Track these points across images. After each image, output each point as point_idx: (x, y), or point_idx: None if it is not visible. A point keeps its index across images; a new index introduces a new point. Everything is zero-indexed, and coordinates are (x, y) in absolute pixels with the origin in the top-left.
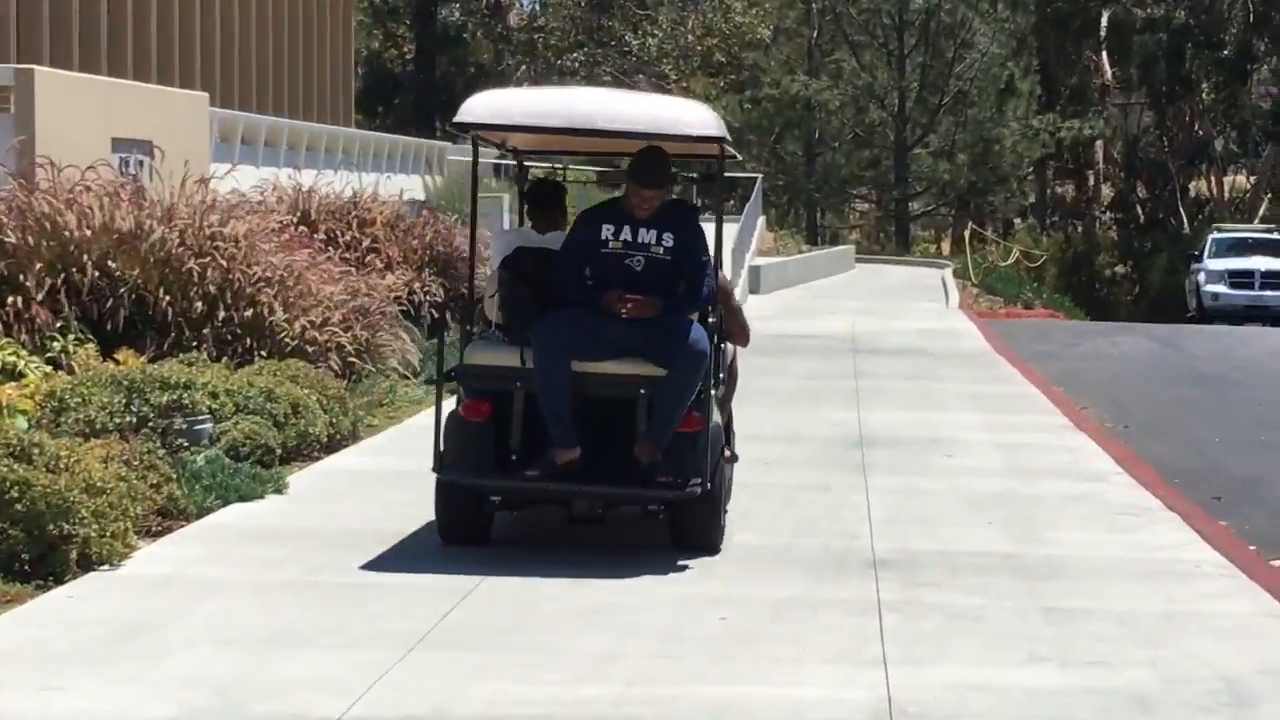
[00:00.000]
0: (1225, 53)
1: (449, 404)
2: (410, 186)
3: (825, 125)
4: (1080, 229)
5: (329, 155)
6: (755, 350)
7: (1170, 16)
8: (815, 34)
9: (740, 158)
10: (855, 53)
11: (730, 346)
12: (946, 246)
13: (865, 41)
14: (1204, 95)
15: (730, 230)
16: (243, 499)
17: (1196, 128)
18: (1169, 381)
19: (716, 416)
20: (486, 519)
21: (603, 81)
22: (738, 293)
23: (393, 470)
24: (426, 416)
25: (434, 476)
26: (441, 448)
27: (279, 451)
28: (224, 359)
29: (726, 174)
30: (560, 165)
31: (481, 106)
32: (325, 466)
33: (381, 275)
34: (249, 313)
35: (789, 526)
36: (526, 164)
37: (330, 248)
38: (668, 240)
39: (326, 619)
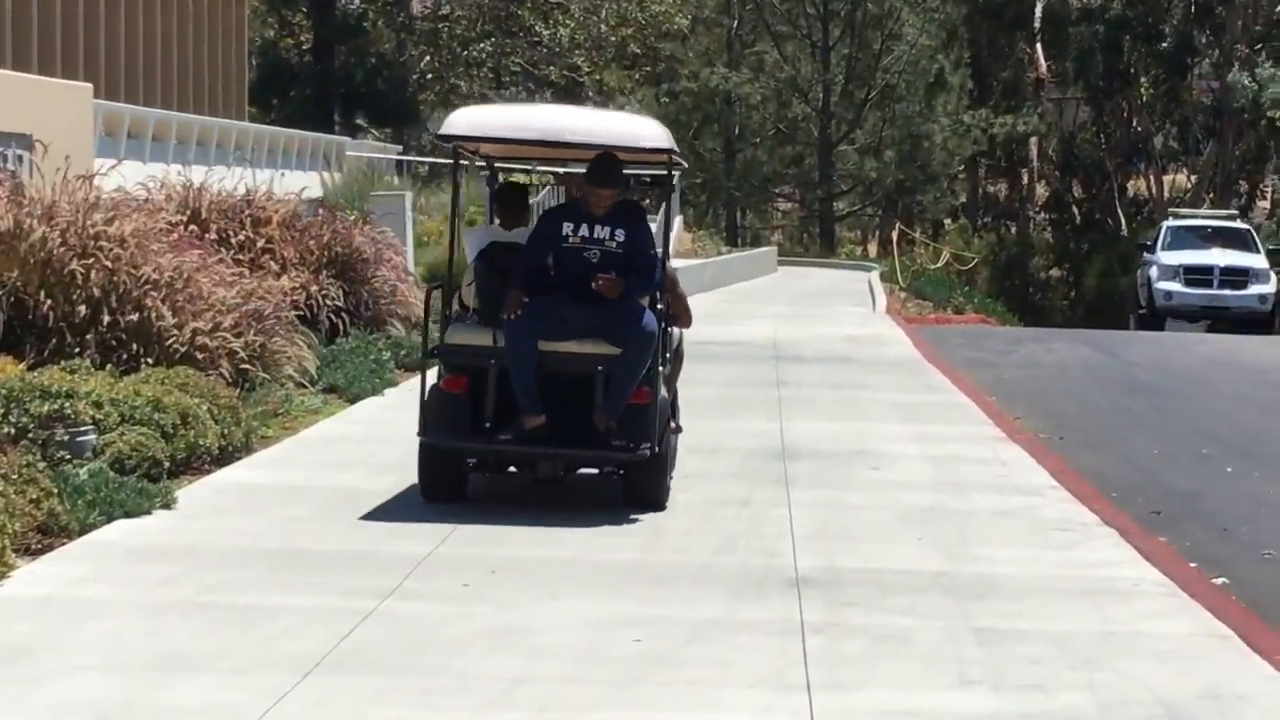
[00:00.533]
0: (1164, 45)
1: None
2: (308, 183)
3: (746, 120)
4: (1014, 230)
5: (221, 150)
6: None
7: (1107, 7)
8: (735, 24)
9: (686, 165)
10: (778, 44)
11: (677, 331)
12: (873, 248)
13: (788, 32)
14: (1143, 90)
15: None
16: (129, 515)
17: (1135, 124)
18: (1106, 390)
19: (664, 391)
20: (463, 479)
21: (513, 73)
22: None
23: (288, 484)
24: (324, 427)
25: (333, 484)
26: (424, 417)
27: (167, 464)
28: (109, 366)
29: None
30: (527, 169)
31: (463, 121)
32: (217, 480)
33: (277, 277)
34: (135, 317)
35: (708, 544)
36: (496, 168)
37: (222, 248)
38: (620, 236)
39: (218, 641)
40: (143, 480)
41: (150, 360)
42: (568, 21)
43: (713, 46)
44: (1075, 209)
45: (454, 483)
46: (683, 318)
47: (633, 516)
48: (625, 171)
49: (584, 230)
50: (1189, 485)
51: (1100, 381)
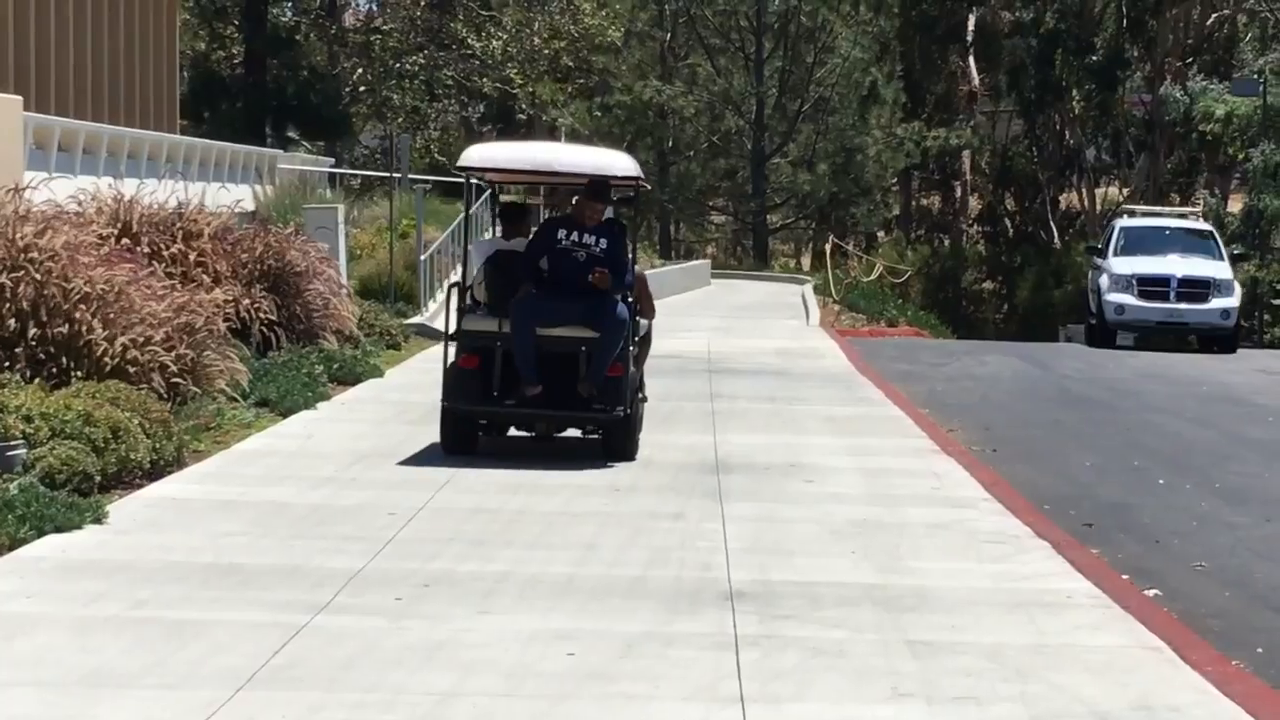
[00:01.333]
0: (1096, 59)
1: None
2: (240, 196)
3: (679, 133)
4: (947, 243)
5: (152, 163)
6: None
7: (1040, 21)
8: (669, 37)
9: (650, 188)
10: (711, 57)
11: (644, 321)
12: (807, 261)
13: (721, 45)
14: (1075, 103)
15: None
16: (59, 529)
17: (1067, 137)
18: (1039, 403)
19: (634, 368)
20: (474, 437)
21: (445, 86)
22: None
23: (220, 498)
24: (256, 441)
25: (265, 498)
26: (446, 386)
27: (98, 479)
28: (38, 380)
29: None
30: (518, 190)
31: (475, 154)
32: (148, 495)
33: (209, 291)
34: (66, 330)
35: (640, 557)
36: (499, 192)
37: (154, 262)
38: (603, 244)
39: (149, 657)
40: (73, 495)
41: (81, 374)
42: (500, 34)
43: (646, 60)
44: (1008, 222)
45: (468, 439)
46: (648, 311)
47: (576, 516)
48: (590, 189)
49: (575, 236)
50: (1121, 497)
51: (1033, 394)
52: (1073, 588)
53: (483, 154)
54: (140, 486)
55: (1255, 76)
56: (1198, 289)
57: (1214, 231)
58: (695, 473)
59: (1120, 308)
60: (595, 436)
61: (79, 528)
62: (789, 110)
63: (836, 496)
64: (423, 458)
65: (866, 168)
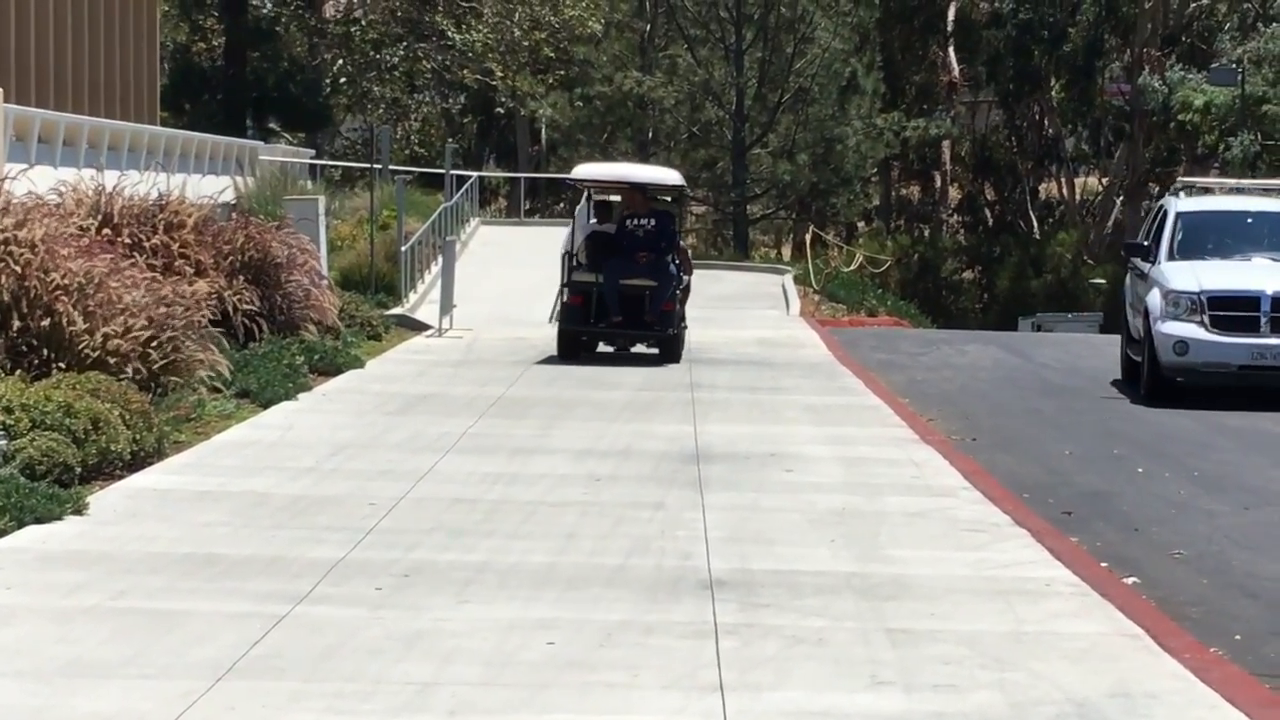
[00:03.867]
0: (1073, 48)
1: None
2: (221, 188)
3: (660, 124)
4: (926, 233)
5: (133, 155)
6: (585, 361)
7: (1018, 10)
8: (649, 28)
9: (690, 192)
10: (691, 48)
11: (686, 277)
12: (787, 251)
13: (701, 36)
14: (1054, 93)
15: (559, 234)
16: (39, 520)
17: (1047, 127)
18: (1019, 392)
19: (679, 306)
20: (578, 349)
21: (426, 77)
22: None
23: (200, 489)
24: (237, 432)
25: (246, 488)
26: (561, 315)
27: (79, 470)
28: (19, 371)
29: (560, 175)
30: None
31: (581, 171)
32: (128, 486)
33: (190, 282)
34: (46, 322)
35: (621, 546)
36: (595, 195)
37: (135, 253)
38: (652, 222)
39: (129, 647)
40: (54, 486)
41: (62, 365)
42: (480, 26)
43: (626, 51)
44: (988, 212)
45: (575, 350)
46: (688, 270)
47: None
48: (654, 192)
49: (636, 220)
50: (1100, 486)
51: (1013, 383)
52: (1052, 575)
53: (585, 171)
54: (121, 477)
55: (1233, 66)
56: None
57: None
58: (676, 462)
59: (1182, 344)
60: (654, 351)
61: (59, 519)
62: (769, 101)
63: (816, 485)
64: (404, 448)
65: (846, 158)
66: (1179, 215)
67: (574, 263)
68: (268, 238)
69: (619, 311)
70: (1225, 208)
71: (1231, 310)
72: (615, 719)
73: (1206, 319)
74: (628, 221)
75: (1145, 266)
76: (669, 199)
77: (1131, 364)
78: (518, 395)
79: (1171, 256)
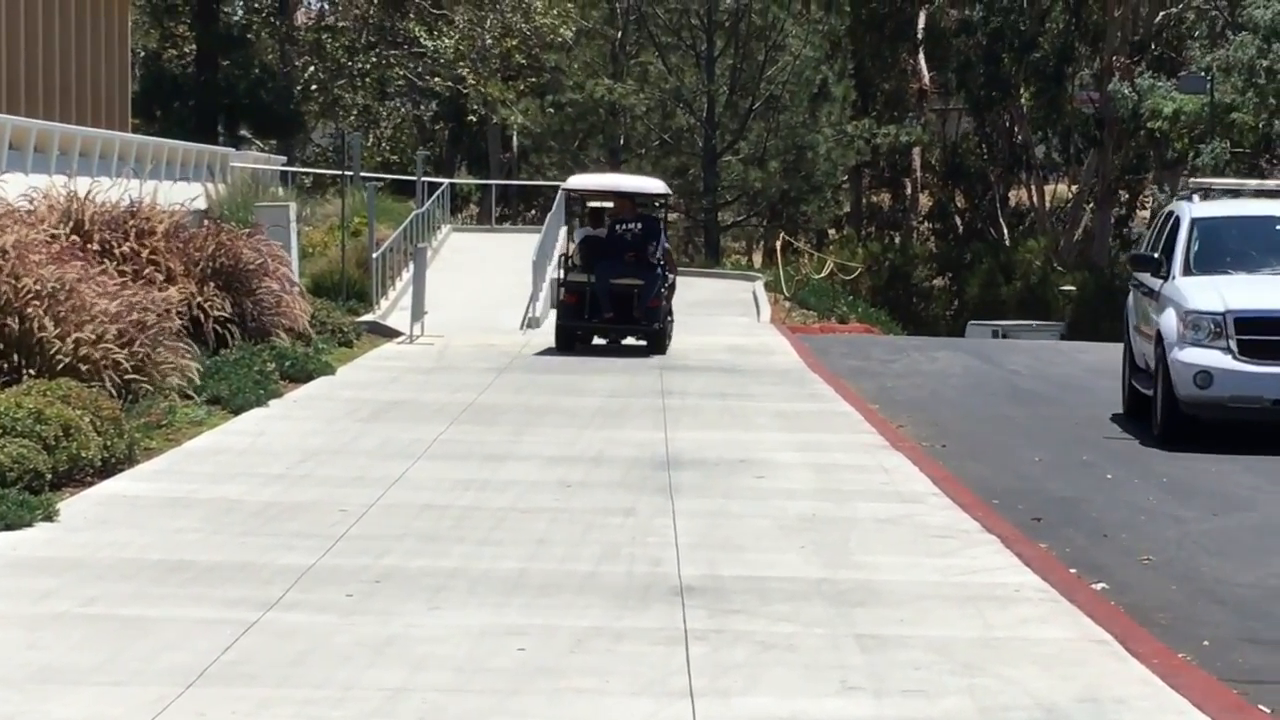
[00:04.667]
0: (1043, 55)
1: None
2: (192, 194)
3: (631, 131)
4: (897, 240)
5: (104, 162)
6: (555, 368)
7: (988, 18)
8: (620, 35)
9: (674, 197)
10: (662, 55)
11: (671, 275)
12: (758, 258)
13: (672, 43)
14: (1024, 100)
15: (531, 241)
16: (9, 527)
17: (1017, 134)
18: (988, 399)
19: (665, 302)
20: (574, 342)
21: (397, 84)
22: (540, 306)
23: (171, 496)
24: (207, 439)
25: (216, 495)
26: (558, 312)
27: (49, 476)
28: None
29: (531, 182)
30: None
31: (574, 181)
32: (99, 492)
33: (161, 289)
34: (16, 328)
35: (591, 553)
36: (588, 203)
37: (106, 260)
38: (639, 226)
39: (100, 654)
40: (24, 492)
41: (32, 372)
42: (451, 33)
43: (597, 58)
44: (958, 218)
45: (571, 343)
46: (672, 270)
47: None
48: (641, 200)
49: (624, 224)
50: (1070, 492)
51: (982, 390)
52: (1021, 581)
53: (578, 181)
54: (91, 484)
55: (1203, 74)
56: None
57: None
58: (646, 469)
59: (1205, 375)
60: (642, 343)
61: (29, 525)
62: (740, 108)
63: (787, 492)
64: (374, 454)
65: (817, 165)
66: (1195, 222)
67: (569, 264)
68: (239, 244)
69: (610, 308)
70: (1250, 213)
71: (1264, 334)
72: None
73: (1233, 345)
74: (617, 226)
75: (1155, 283)
76: (655, 205)
77: (1138, 398)
78: (489, 402)
79: (1188, 271)
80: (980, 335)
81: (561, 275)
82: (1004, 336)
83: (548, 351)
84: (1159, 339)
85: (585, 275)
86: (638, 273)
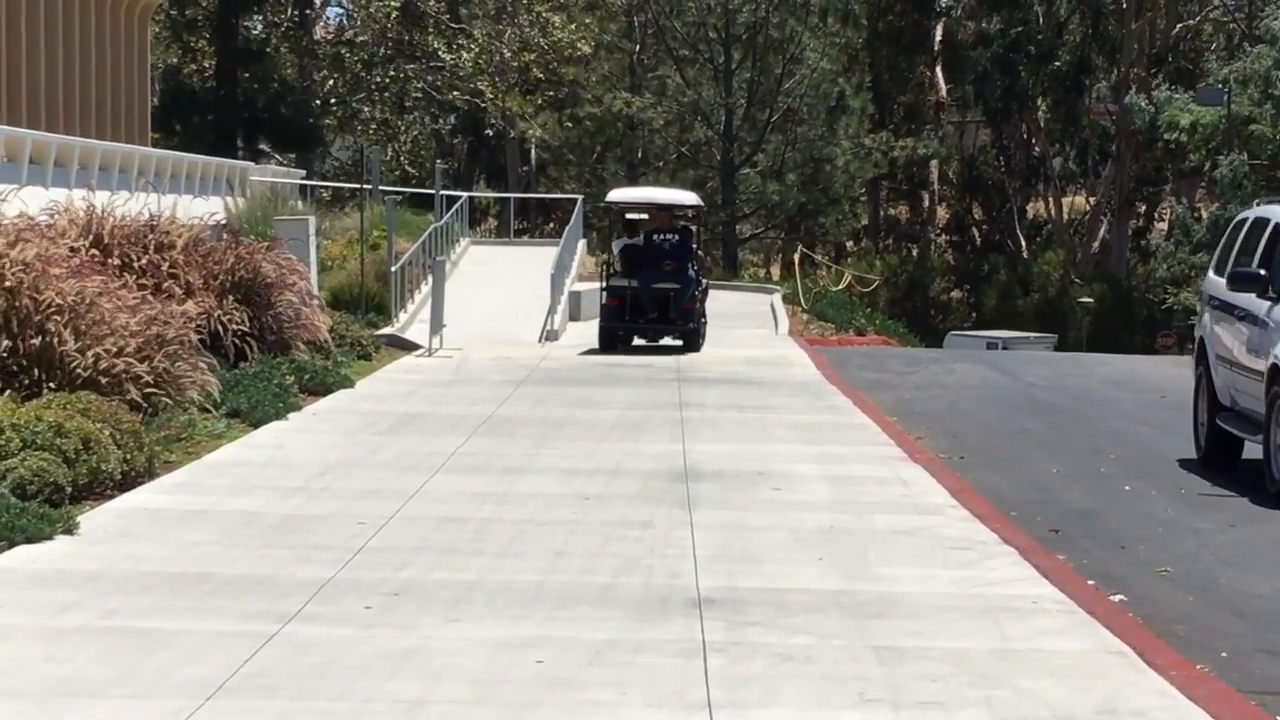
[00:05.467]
0: (1058, 64)
1: None
2: (211, 208)
3: (649, 144)
4: (915, 252)
5: (124, 176)
6: (573, 381)
7: (1006, 30)
8: (638, 49)
9: (705, 208)
10: (680, 68)
11: (704, 280)
12: (776, 271)
13: (690, 56)
14: (1041, 112)
15: (549, 254)
16: (30, 540)
17: (1034, 146)
18: (1006, 410)
19: (699, 305)
20: (617, 342)
21: (415, 98)
22: (558, 319)
23: (190, 509)
24: (227, 452)
25: (236, 508)
26: (602, 315)
27: (69, 490)
28: (10, 391)
29: (549, 195)
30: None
31: (614, 195)
32: (119, 505)
33: (181, 302)
34: (37, 342)
35: (610, 565)
36: (626, 216)
37: (125, 273)
38: (674, 237)
39: (119, 667)
40: (44, 505)
41: (53, 385)
42: (471, 46)
43: (615, 71)
44: (975, 231)
45: (614, 343)
46: (705, 275)
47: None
48: (677, 211)
49: (661, 234)
50: (1087, 504)
51: (1000, 402)
52: (1038, 593)
53: (618, 195)
54: (111, 497)
55: (1220, 85)
56: None
57: None
58: (664, 481)
59: None
60: (678, 343)
61: (50, 538)
62: (758, 121)
63: (804, 504)
64: (393, 467)
65: (835, 178)
66: None
67: (610, 271)
68: (258, 258)
69: (651, 309)
70: None
71: None
72: None
73: None
74: (655, 236)
75: (1260, 306)
76: (688, 215)
77: (1222, 441)
78: (507, 414)
79: None
80: (966, 347)
81: (604, 282)
82: (1004, 348)
83: (590, 352)
84: (1272, 375)
85: (626, 281)
86: (674, 278)
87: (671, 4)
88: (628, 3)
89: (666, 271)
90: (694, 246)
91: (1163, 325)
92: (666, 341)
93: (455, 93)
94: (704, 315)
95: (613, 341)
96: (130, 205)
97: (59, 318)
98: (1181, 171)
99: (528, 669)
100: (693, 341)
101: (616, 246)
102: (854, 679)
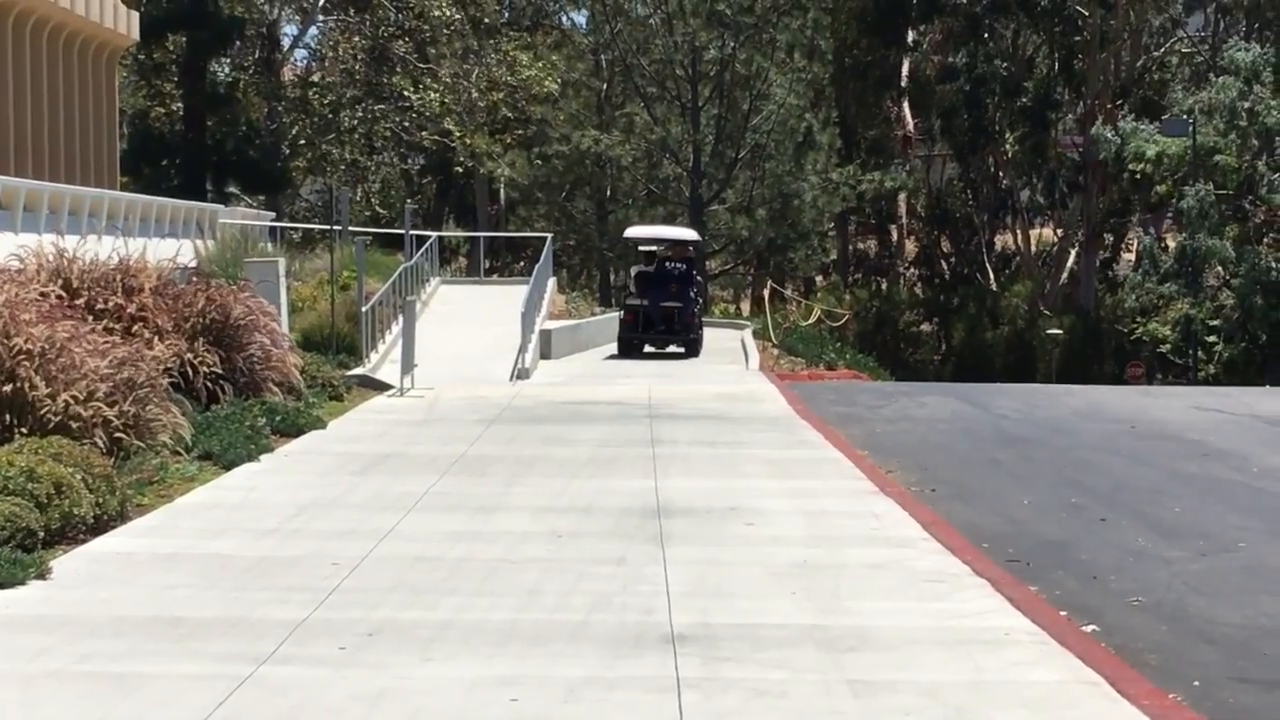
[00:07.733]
0: (1025, 100)
1: None
2: (181, 251)
3: (618, 181)
4: (884, 286)
5: (93, 220)
6: (546, 419)
7: (972, 64)
8: (605, 87)
9: (703, 241)
10: (648, 105)
11: (702, 298)
12: (746, 306)
13: (657, 94)
14: (1008, 145)
15: (519, 292)
16: (2, 586)
17: (1001, 179)
18: (977, 443)
19: (697, 319)
20: (633, 351)
21: (384, 138)
22: (529, 357)
23: (163, 552)
24: (199, 494)
25: (209, 551)
26: (621, 327)
27: (41, 534)
28: None
29: (519, 234)
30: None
31: (631, 232)
32: (92, 549)
33: (150, 345)
34: (8, 388)
35: (583, 602)
36: (640, 247)
37: (95, 317)
38: (681, 266)
39: (93, 711)
40: (17, 551)
41: (24, 430)
42: (437, 86)
43: (583, 109)
44: (944, 264)
45: (631, 352)
46: (704, 295)
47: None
48: (684, 245)
49: (670, 263)
50: (1059, 535)
51: (971, 434)
52: (1011, 624)
53: (635, 232)
54: (84, 541)
55: (1185, 116)
56: None
57: None
58: (637, 517)
59: None
60: (681, 351)
61: (22, 584)
62: (726, 157)
63: (777, 539)
64: (366, 507)
65: (803, 213)
66: None
67: (626, 293)
68: (229, 300)
69: (661, 323)
70: None
71: None
72: None
73: None
74: (665, 264)
75: None
76: (690, 249)
77: None
78: (479, 453)
79: None
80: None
81: (624, 300)
82: None
83: (611, 358)
84: None
85: (639, 300)
86: (677, 298)
87: (638, 42)
88: (595, 41)
89: (672, 293)
90: (695, 273)
91: (1132, 355)
92: (671, 349)
93: (423, 133)
94: (702, 326)
95: (630, 350)
96: (99, 249)
97: (29, 363)
98: (1148, 202)
99: (502, 707)
100: (693, 348)
101: (632, 272)
102: (828, 713)
